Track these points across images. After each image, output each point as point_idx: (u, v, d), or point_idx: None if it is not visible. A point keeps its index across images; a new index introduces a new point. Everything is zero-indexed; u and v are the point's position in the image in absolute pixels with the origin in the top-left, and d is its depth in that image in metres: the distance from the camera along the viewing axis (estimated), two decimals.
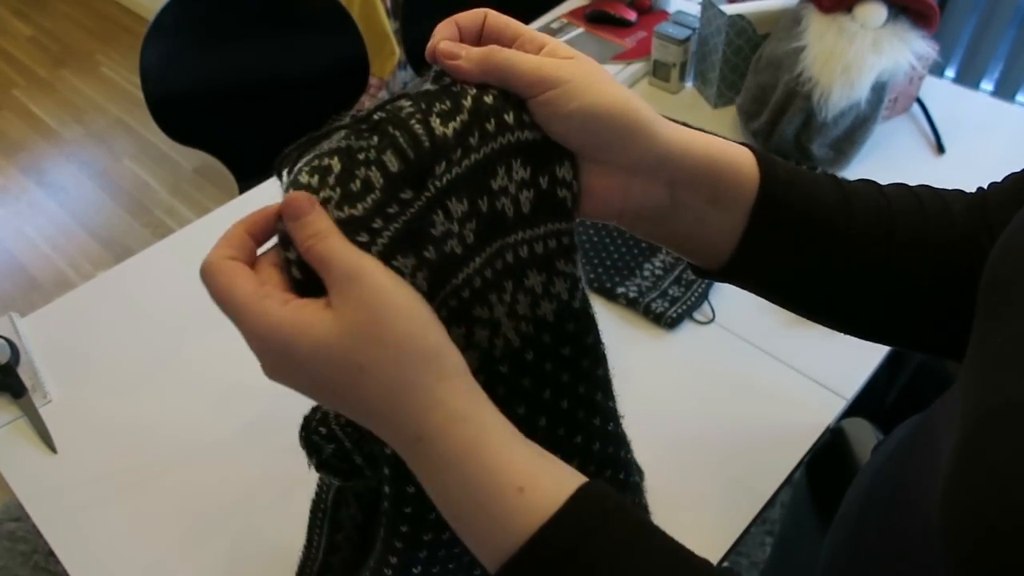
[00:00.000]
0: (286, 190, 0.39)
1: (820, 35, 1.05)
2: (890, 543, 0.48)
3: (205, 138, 1.53)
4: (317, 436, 0.47)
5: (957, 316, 0.46)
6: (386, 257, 0.38)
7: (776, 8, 1.16)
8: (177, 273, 1.04)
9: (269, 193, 1.15)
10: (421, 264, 0.39)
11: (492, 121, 0.41)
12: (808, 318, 0.53)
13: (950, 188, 0.51)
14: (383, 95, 2.13)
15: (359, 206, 0.39)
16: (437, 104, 0.41)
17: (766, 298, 0.52)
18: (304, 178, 0.39)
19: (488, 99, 0.41)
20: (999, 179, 0.50)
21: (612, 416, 0.50)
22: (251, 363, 0.37)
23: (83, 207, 2.49)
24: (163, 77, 1.41)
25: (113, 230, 2.41)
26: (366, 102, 2.10)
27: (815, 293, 0.50)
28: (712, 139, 0.46)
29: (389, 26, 2.02)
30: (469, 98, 0.41)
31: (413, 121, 0.40)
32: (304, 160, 0.40)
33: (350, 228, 0.38)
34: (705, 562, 0.37)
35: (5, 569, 1.59)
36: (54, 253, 2.35)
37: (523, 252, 0.43)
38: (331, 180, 0.39)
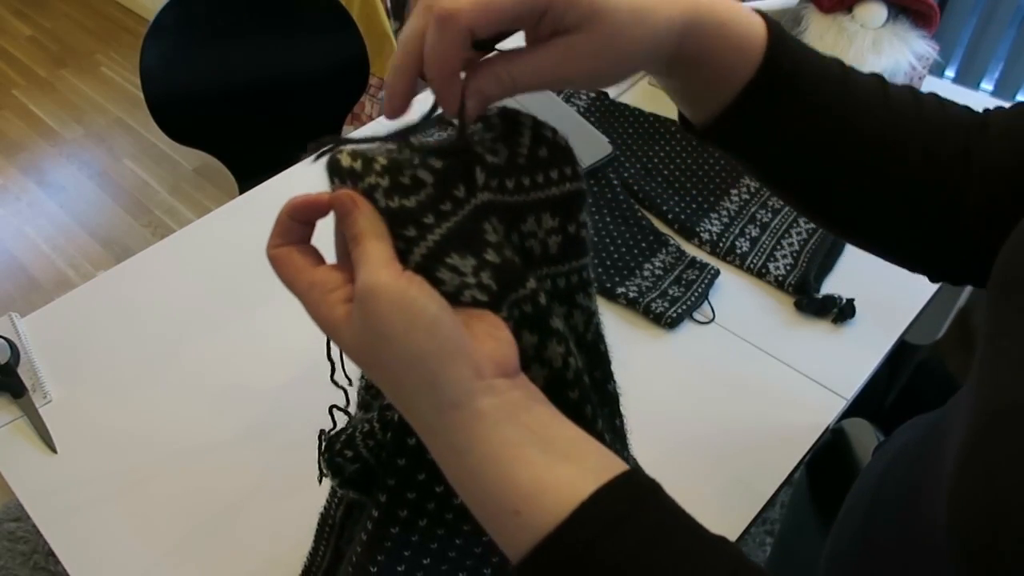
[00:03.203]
0: (328, 165, 0.38)
1: (820, 35, 1.05)
2: (898, 544, 0.48)
3: (205, 138, 1.53)
4: (342, 459, 0.47)
5: (936, 230, 0.47)
6: (436, 255, 0.37)
7: (776, 8, 1.16)
8: (177, 273, 1.04)
9: (269, 193, 1.15)
10: (483, 265, 0.38)
11: (528, 178, 0.41)
12: (794, 207, 0.52)
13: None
14: (383, 95, 2.12)
15: (412, 198, 0.37)
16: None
17: (749, 171, 0.51)
18: (346, 160, 0.37)
19: (521, 160, 0.41)
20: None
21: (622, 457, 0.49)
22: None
23: (83, 207, 2.49)
24: (163, 77, 1.41)
25: (113, 230, 2.41)
26: (366, 102, 2.09)
27: (797, 176, 0.49)
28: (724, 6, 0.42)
29: (389, 26, 2.02)
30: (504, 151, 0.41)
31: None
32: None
33: (398, 220, 0.37)
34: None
35: (5, 569, 1.59)
36: (54, 253, 2.35)
37: (547, 285, 0.43)
38: (377, 167, 0.37)
